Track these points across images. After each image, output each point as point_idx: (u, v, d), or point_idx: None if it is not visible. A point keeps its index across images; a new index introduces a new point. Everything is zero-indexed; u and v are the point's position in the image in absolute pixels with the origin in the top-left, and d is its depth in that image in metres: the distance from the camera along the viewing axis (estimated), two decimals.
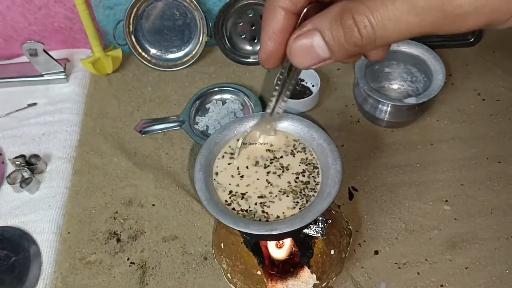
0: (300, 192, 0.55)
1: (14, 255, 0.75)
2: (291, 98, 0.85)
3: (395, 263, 0.71)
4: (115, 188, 0.82)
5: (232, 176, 0.58)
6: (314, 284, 0.63)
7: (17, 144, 0.88)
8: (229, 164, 0.59)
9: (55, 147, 0.87)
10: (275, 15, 0.36)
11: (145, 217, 0.78)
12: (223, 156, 0.60)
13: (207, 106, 0.90)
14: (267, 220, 0.53)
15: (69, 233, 0.77)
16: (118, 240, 0.76)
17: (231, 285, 0.68)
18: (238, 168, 0.58)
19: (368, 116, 0.85)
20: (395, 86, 0.88)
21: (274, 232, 0.50)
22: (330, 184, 0.54)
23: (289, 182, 0.56)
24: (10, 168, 0.84)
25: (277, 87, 0.49)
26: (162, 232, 0.77)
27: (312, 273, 0.62)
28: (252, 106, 0.88)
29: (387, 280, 0.70)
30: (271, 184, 0.56)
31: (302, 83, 0.90)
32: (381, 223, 0.75)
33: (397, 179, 0.79)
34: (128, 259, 0.74)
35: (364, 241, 0.73)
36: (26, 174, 0.81)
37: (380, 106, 0.80)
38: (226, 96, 0.91)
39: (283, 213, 0.53)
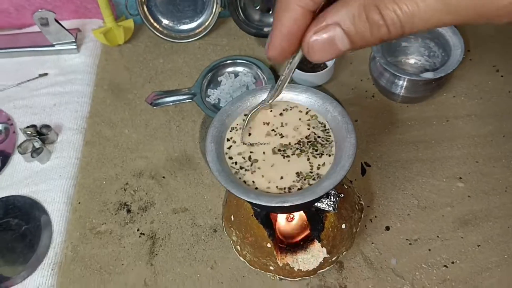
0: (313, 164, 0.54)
1: (25, 224, 0.76)
2: (305, 71, 0.84)
3: (406, 239, 0.70)
4: (126, 159, 0.81)
5: (244, 149, 0.57)
6: (324, 258, 0.62)
7: (28, 114, 0.88)
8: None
9: (66, 117, 0.87)
10: (291, 14, 0.34)
11: (156, 189, 0.78)
12: (235, 128, 0.59)
13: (219, 79, 0.89)
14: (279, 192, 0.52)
15: (79, 203, 0.78)
16: (128, 211, 0.76)
17: (241, 258, 0.67)
18: (248, 142, 0.57)
19: (383, 91, 0.83)
20: (412, 61, 0.86)
21: (285, 204, 0.49)
22: (344, 157, 0.53)
23: (302, 154, 0.55)
24: (21, 138, 0.85)
25: (280, 81, 0.49)
26: (172, 204, 0.76)
27: (322, 247, 0.61)
28: (265, 79, 0.86)
29: (397, 256, 0.69)
30: (284, 156, 0.55)
31: None
32: (393, 199, 0.74)
33: (410, 155, 0.78)
34: (138, 230, 0.74)
35: (375, 216, 0.73)
36: (37, 144, 0.81)
37: (396, 80, 0.78)
38: (239, 68, 0.90)
39: (295, 184, 0.53)
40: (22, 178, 0.81)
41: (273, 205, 0.50)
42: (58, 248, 0.74)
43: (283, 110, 0.60)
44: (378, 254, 0.70)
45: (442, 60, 0.80)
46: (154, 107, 0.87)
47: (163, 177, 0.79)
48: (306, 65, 0.86)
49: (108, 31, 0.93)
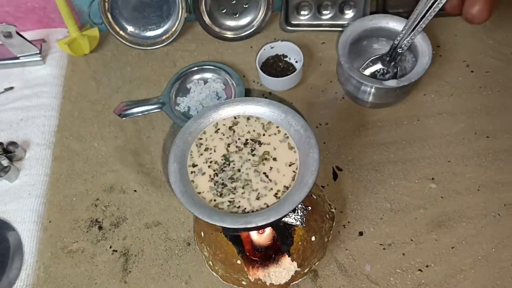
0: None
1: None
2: (274, 76, 0.83)
3: (380, 244, 0.70)
4: (96, 174, 0.80)
5: (209, 165, 0.56)
6: (296, 271, 0.62)
7: None
8: (203, 153, 0.57)
9: (34, 133, 0.85)
10: None
11: (127, 204, 0.77)
12: (199, 145, 0.58)
13: (188, 86, 0.87)
14: (244, 211, 0.52)
15: (50, 221, 0.76)
16: (100, 228, 0.75)
17: (213, 273, 0.67)
18: (211, 160, 0.57)
19: (351, 96, 0.82)
20: (378, 66, 0.84)
21: (249, 226, 0.49)
22: (307, 174, 0.52)
23: (265, 171, 0.55)
24: None
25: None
26: (145, 219, 0.75)
27: (293, 261, 0.61)
28: (235, 84, 0.85)
29: (372, 262, 0.69)
30: (247, 174, 0.55)
31: (285, 59, 0.87)
32: (366, 203, 0.74)
33: (382, 157, 0.78)
34: (110, 247, 0.73)
35: (348, 222, 0.72)
36: (5, 162, 0.80)
37: (362, 87, 0.77)
38: (208, 75, 0.88)
39: (259, 204, 0.52)
40: None
41: (237, 227, 0.50)
42: (30, 270, 0.72)
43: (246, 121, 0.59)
44: (352, 260, 0.70)
45: (412, 64, 0.78)
46: (123, 118, 0.85)
47: (135, 190, 0.78)
48: (275, 69, 0.85)
49: (72, 41, 0.90)
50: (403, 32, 0.75)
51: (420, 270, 0.68)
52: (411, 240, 0.70)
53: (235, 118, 0.59)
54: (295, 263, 0.61)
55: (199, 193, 0.54)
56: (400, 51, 0.77)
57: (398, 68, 0.80)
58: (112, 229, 0.75)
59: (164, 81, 0.89)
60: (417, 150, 0.78)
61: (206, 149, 0.58)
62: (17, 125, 0.86)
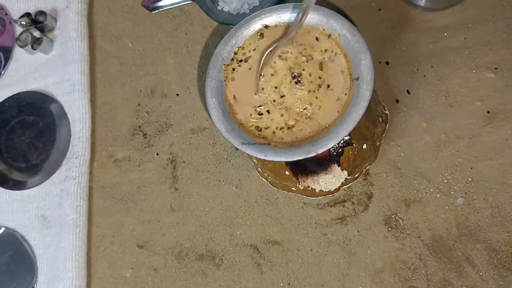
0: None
1: (40, 120, 0.74)
2: None
3: (433, 140, 0.65)
4: (134, 77, 0.75)
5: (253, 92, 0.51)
6: (346, 178, 0.59)
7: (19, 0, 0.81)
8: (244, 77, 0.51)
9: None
10: None
11: (170, 109, 0.73)
12: (233, 69, 0.52)
13: None
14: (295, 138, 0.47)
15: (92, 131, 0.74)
16: (145, 135, 0.73)
17: (263, 179, 0.65)
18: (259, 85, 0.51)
19: None
20: None
21: (309, 155, 0.44)
22: (362, 88, 0.46)
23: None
24: (19, 29, 0.79)
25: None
26: (190, 124, 0.72)
27: (343, 170, 0.57)
28: None
29: (424, 158, 0.65)
30: (297, 98, 0.49)
31: None
32: (420, 97, 0.67)
33: (438, 46, 0.69)
34: (157, 154, 0.71)
35: (401, 118, 0.67)
36: (37, 34, 0.76)
37: None
38: None
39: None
40: (28, 73, 0.78)
41: (295, 159, 0.46)
42: (77, 140, 0.72)
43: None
44: (404, 157, 0.66)
45: None
46: (153, 12, 0.77)
47: (177, 94, 0.74)
48: None
49: None
50: None
51: (472, 167, 0.64)
52: (465, 134, 0.65)
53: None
54: (345, 172, 0.58)
55: (242, 125, 0.49)
56: None
57: None
58: (157, 135, 0.72)
59: None
60: (479, 35, 0.69)
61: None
62: None
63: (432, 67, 0.68)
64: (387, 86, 0.69)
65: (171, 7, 0.77)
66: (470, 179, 0.63)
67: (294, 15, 0.52)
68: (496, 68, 0.67)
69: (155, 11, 0.77)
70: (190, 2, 0.76)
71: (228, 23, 0.73)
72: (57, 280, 0.68)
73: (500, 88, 0.66)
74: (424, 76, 0.68)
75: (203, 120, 0.72)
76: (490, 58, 0.67)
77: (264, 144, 0.47)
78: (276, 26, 0.53)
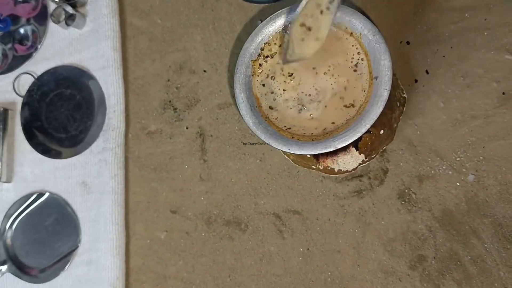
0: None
1: (78, 93, 0.80)
2: None
3: (449, 119, 0.69)
4: (164, 53, 0.79)
5: (279, 84, 0.54)
6: (363, 160, 0.63)
7: None
8: (271, 76, 0.55)
9: None
10: None
11: (198, 84, 0.77)
12: (260, 64, 0.55)
13: None
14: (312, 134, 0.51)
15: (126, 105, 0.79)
16: (175, 109, 0.77)
17: (285, 156, 0.69)
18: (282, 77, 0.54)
19: None
20: None
21: (329, 149, 0.48)
22: (381, 87, 0.49)
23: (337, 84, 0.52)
24: (51, 5, 0.83)
25: None
26: (217, 100, 0.76)
27: (360, 154, 0.61)
28: None
29: (439, 136, 0.69)
30: (319, 90, 0.52)
31: None
32: (438, 76, 0.70)
33: (458, 26, 0.70)
34: (187, 128, 0.76)
35: (418, 96, 0.70)
36: (70, 10, 0.80)
37: None
38: None
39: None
40: (64, 47, 0.82)
41: (317, 152, 0.50)
42: (112, 113, 0.77)
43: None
44: (420, 136, 0.69)
45: None
46: None
47: (204, 71, 0.78)
48: None
49: None
50: None
51: (485, 145, 0.67)
52: (480, 114, 0.68)
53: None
54: (362, 155, 0.62)
55: (267, 118, 0.53)
56: None
57: None
58: (186, 110, 0.77)
59: None
60: (499, 16, 0.70)
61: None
62: None
63: (451, 47, 0.70)
64: (407, 65, 0.71)
65: None
66: (481, 157, 0.67)
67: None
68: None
69: None
70: None
71: (253, 1, 0.75)
72: (99, 241, 0.75)
73: None
74: (444, 56, 0.70)
75: (229, 97, 0.76)
76: (509, 39, 0.69)
77: (288, 137, 0.52)
78: None
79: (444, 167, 0.68)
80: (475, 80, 0.69)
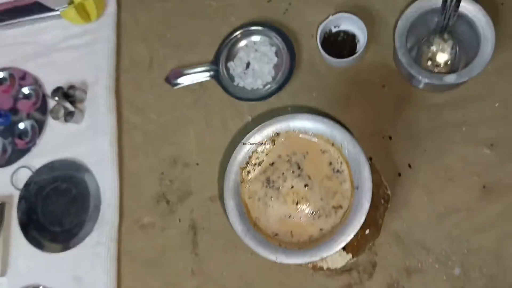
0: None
1: (73, 187, 0.82)
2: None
3: (433, 212, 0.71)
4: (157, 148, 0.82)
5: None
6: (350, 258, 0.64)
7: (52, 72, 0.89)
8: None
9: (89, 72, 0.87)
10: None
11: (191, 177, 0.80)
12: (248, 172, 0.59)
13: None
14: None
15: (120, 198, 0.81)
16: (168, 202, 0.79)
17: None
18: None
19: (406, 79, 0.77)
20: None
21: (314, 258, 0.50)
22: (362, 195, 0.52)
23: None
24: (52, 102, 0.86)
25: None
26: (209, 192, 0.79)
27: (347, 253, 0.63)
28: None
29: (425, 229, 0.71)
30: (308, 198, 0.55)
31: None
32: (420, 171, 0.73)
33: (437, 122, 0.74)
34: (179, 221, 0.78)
35: (402, 190, 0.72)
36: (70, 107, 0.83)
37: (416, 77, 0.71)
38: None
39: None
40: (62, 142, 0.85)
41: (303, 261, 0.51)
42: (107, 207, 0.79)
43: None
44: (406, 228, 0.71)
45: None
46: (175, 87, 0.84)
47: (197, 164, 0.80)
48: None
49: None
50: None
51: (469, 238, 0.69)
52: (463, 207, 0.70)
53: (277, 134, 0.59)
54: (350, 254, 0.63)
55: (255, 225, 0.55)
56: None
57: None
58: (179, 202, 0.79)
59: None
60: (476, 112, 0.74)
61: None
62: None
63: (432, 142, 0.74)
64: (390, 159, 0.74)
65: (191, 82, 0.84)
66: (466, 250, 0.69)
67: (303, 124, 0.58)
68: (492, 145, 0.72)
69: (177, 87, 0.84)
70: (209, 78, 0.83)
71: (243, 98, 0.80)
72: None
73: (495, 164, 0.71)
74: (425, 150, 0.74)
75: (221, 189, 0.78)
76: (487, 134, 0.73)
77: (275, 245, 0.53)
78: (286, 133, 0.59)
79: (430, 260, 0.69)
80: (456, 174, 0.72)
